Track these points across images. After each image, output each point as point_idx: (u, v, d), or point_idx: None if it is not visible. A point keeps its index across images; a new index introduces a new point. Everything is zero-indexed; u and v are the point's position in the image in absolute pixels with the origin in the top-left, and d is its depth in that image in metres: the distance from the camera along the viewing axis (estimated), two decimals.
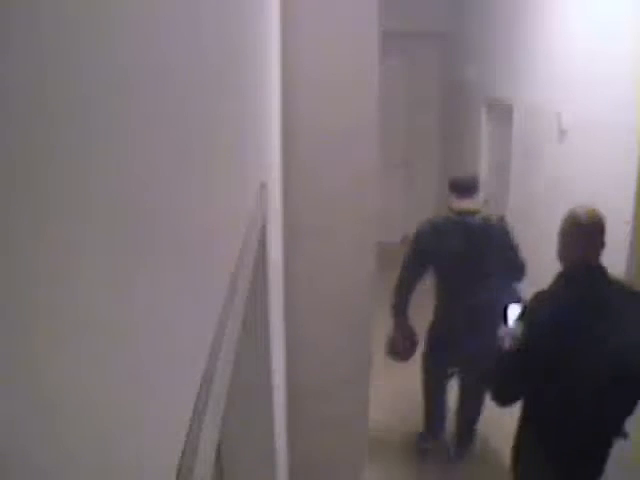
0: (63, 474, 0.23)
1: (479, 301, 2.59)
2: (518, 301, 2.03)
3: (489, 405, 2.45)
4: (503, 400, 1.94)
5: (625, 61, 2.57)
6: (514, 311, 1.93)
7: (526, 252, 4.09)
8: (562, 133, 3.28)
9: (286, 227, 1.96)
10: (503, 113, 4.42)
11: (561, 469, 1.87)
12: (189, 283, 0.47)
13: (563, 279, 1.86)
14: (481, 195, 2.81)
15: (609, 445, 1.89)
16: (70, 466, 0.24)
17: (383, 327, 2.58)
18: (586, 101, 2.99)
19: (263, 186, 1.14)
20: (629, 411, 1.81)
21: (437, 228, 2.67)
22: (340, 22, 1.93)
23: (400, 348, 2.77)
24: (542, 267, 3.66)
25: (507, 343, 1.84)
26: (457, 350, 2.72)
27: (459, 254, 2.58)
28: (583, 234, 1.79)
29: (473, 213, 2.68)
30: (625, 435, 1.88)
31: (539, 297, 1.89)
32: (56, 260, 0.22)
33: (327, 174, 2.04)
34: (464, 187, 2.69)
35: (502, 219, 2.88)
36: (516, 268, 2.74)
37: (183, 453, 0.42)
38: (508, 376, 1.87)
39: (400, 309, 2.69)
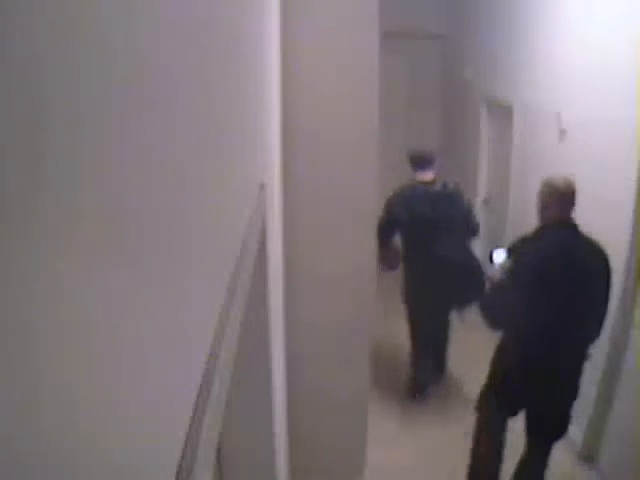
0: (62, 474, 0.23)
1: (443, 254, 3.17)
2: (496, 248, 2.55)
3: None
4: (495, 323, 2.37)
5: (625, 61, 2.57)
6: (499, 254, 2.40)
7: None
8: (562, 133, 3.28)
9: (286, 227, 1.96)
10: (503, 113, 4.42)
11: (539, 388, 2.28)
12: (189, 283, 0.47)
13: (542, 229, 2.29)
14: (436, 166, 3.38)
15: (580, 368, 2.33)
16: (70, 466, 0.24)
17: (383, 327, 2.70)
18: (586, 101, 2.99)
19: (263, 186, 1.14)
20: (595, 334, 2.32)
21: (404, 196, 3.26)
22: (340, 22, 1.93)
23: (389, 259, 3.39)
24: None
25: (497, 277, 2.31)
26: (430, 294, 3.31)
27: (424, 216, 3.16)
28: (561, 197, 2.24)
29: (432, 183, 3.28)
30: (588, 356, 2.36)
31: (524, 240, 2.37)
32: (55, 259, 0.22)
33: (327, 174, 2.04)
34: (421, 161, 3.32)
35: (457, 186, 3.47)
36: (471, 227, 3.40)
37: (183, 453, 0.42)
38: (499, 303, 2.31)
39: (382, 245, 3.20)
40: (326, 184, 2.05)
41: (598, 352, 2.79)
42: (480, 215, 5.14)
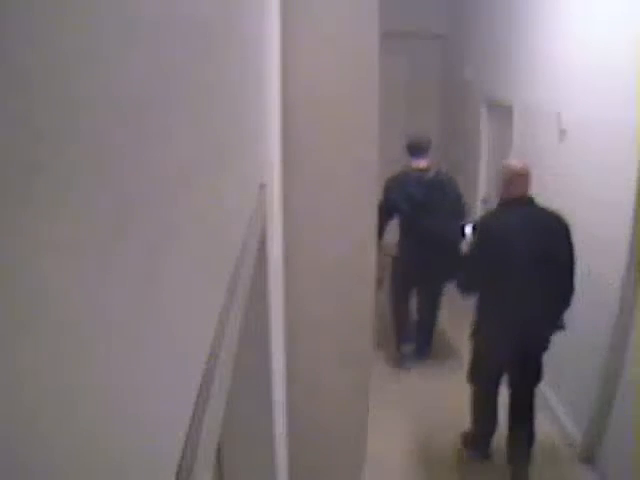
0: (62, 474, 0.23)
1: (432, 234, 3.61)
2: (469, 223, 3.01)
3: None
4: (469, 290, 2.76)
5: (625, 61, 2.57)
6: (468, 228, 2.86)
7: None
8: (562, 133, 3.28)
9: (286, 227, 1.96)
10: (503, 113, 4.42)
11: (512, 342, 2.63)
12: (189, 283, 0.47)
13: (505, 204, 2.66)
14: (430, 154, 3.77)
15: (551, 327, 2.72)
16: (69, 466, 0.24)
17: (383, 326, 2.69)
18: (586, 101, 2.99)
19: (263, 186, 1.14)
20: (564, 303, 2.67)
21: (399, 181, 3.68)
22: (340, 22, 1.93)
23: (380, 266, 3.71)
24: None
25: (465, 249, 2.75)
26: (418, 270, 3.79)
27: (418, 200, 3.59)
28: (519, 177, 2.63)
29: (425, 170, 3.68)
30: (563, 327, 2.70)
31: (486, 215, 2.88)
32: (55, 259, 0.22)
33: (327, 174, 2.04)
34: (417, 149, 3.71)
35: (449, 174, 3.96)
36: (460, 211, 3.79)
37: (183, 453, 0.42)
38: (469, 272, 2.68)
39: (381, 228, 3.49)
40: (326, 184, 2.05)
41: (598, 352, 2.79)
42: (480, 214, 5.15)
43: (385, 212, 3.48)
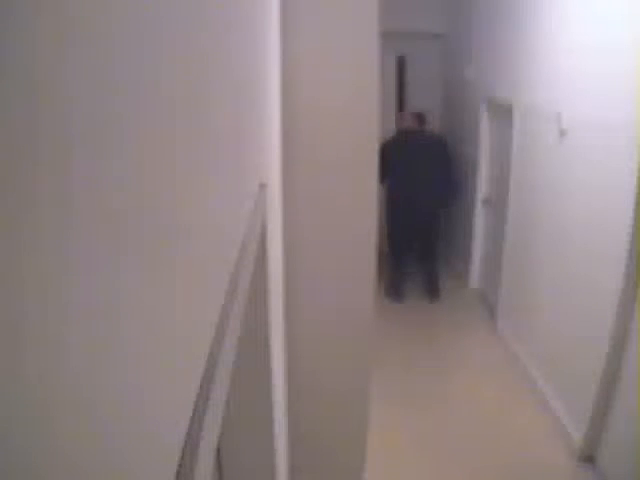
0: (61, 475, 0.23)
1: (421, 192, 4.58)
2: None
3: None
4: (381, 181, 3.75)
5: (625, 61, 2.57)
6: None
7: (525, 250, 4.09)
8: (562, 133, 3.28)
9: (286, 227, 1.96)
10: (503, 113, 4.42)
11: (407, 213, 4.64)
12: (189, 283, 0.47)
13: (398, 133, 4.44)
14: (426, 122, 4.88)
15: (436, 218, 4.79)
16: (68, 466, 0.24)
17: (383, 323, 2.68)
18: (586, 101, 2.99)
19: (263, 186, 1.14)
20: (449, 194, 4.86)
21: (394, 139, 4.64)
22: (340, 22, 1.93)
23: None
24: (541, 265, 3.67)
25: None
26: (409, 224, 4.74)
27: (409, 158, 4.50)
28: (406, 115, 4.47)
29: (420, 131, 4.73)
30: (446, 206, 4.77)
31: (389, 140, 4.58)
32: (55, 259, 0.22)
33: (327, 174, 2.04)
34: (413, 116, 4.72)
35: (442, 136, 5.07)
36: (449, 180, 4.82)
37: (183, 453, 0.42)
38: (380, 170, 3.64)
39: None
40: (326, 184, 2.05)
41: (598, 352, 2.80)
42: (480, 215, 5.15)
43: (382, 169, 4.41)
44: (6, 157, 0.19)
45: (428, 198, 4.63)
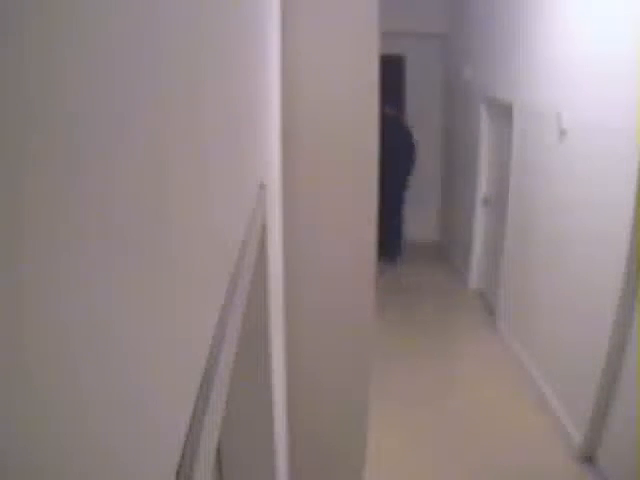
0: (61, 475, 0.23)
1: (398, 165, 5.63)
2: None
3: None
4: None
5: (625, 61, 2.57)
6: None
7: (525, 250, 4.08)
8: (562, 133, 3.28)
9: (286, 227, 1.96)
10: (503, 113, 4.42)
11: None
12: (189, 283, 0.47)
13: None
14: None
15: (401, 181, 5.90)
16: (68, 467, 0.24)
17: (383, 322, 2.68)
18: (586, 101, 2.99)
19: (263, 186, 1.14)
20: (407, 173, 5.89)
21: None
22: (340, 22, 1.93)
23: None
24: (541, 265, 3.67)
25: None
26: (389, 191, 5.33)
27: (391, 140, 5.04)
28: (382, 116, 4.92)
29: (392, 116, 5.50)
30: (406, 186, 6.00)
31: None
32: (55, 259, 0.22)
33: (327, 174, 2.04)
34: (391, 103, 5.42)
35: (402, 116, 6.09)
36: (410, 145, 5.70)
37: (183, 453, 0.42)
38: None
39: None
40: (326, 184, 2.05)
41: (598, 352, 2.80)
42: (480, 215, 5.15)
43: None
44: (6, 157, 0.19)
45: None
